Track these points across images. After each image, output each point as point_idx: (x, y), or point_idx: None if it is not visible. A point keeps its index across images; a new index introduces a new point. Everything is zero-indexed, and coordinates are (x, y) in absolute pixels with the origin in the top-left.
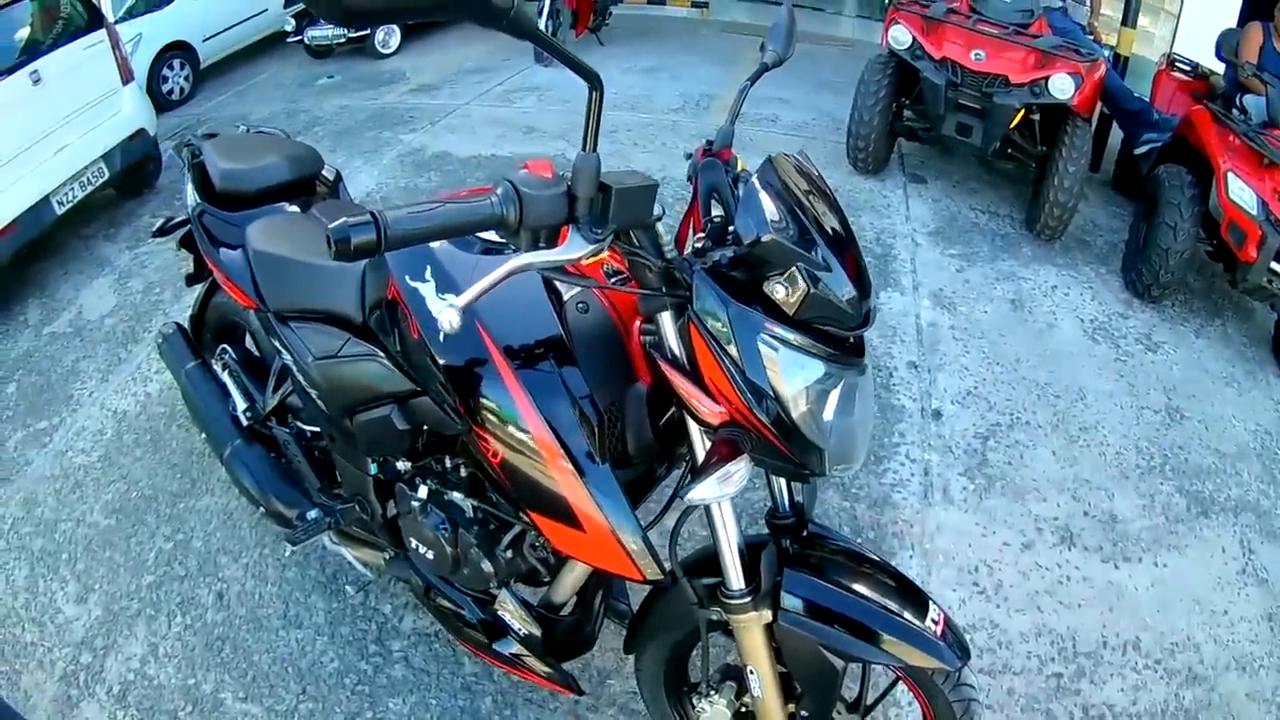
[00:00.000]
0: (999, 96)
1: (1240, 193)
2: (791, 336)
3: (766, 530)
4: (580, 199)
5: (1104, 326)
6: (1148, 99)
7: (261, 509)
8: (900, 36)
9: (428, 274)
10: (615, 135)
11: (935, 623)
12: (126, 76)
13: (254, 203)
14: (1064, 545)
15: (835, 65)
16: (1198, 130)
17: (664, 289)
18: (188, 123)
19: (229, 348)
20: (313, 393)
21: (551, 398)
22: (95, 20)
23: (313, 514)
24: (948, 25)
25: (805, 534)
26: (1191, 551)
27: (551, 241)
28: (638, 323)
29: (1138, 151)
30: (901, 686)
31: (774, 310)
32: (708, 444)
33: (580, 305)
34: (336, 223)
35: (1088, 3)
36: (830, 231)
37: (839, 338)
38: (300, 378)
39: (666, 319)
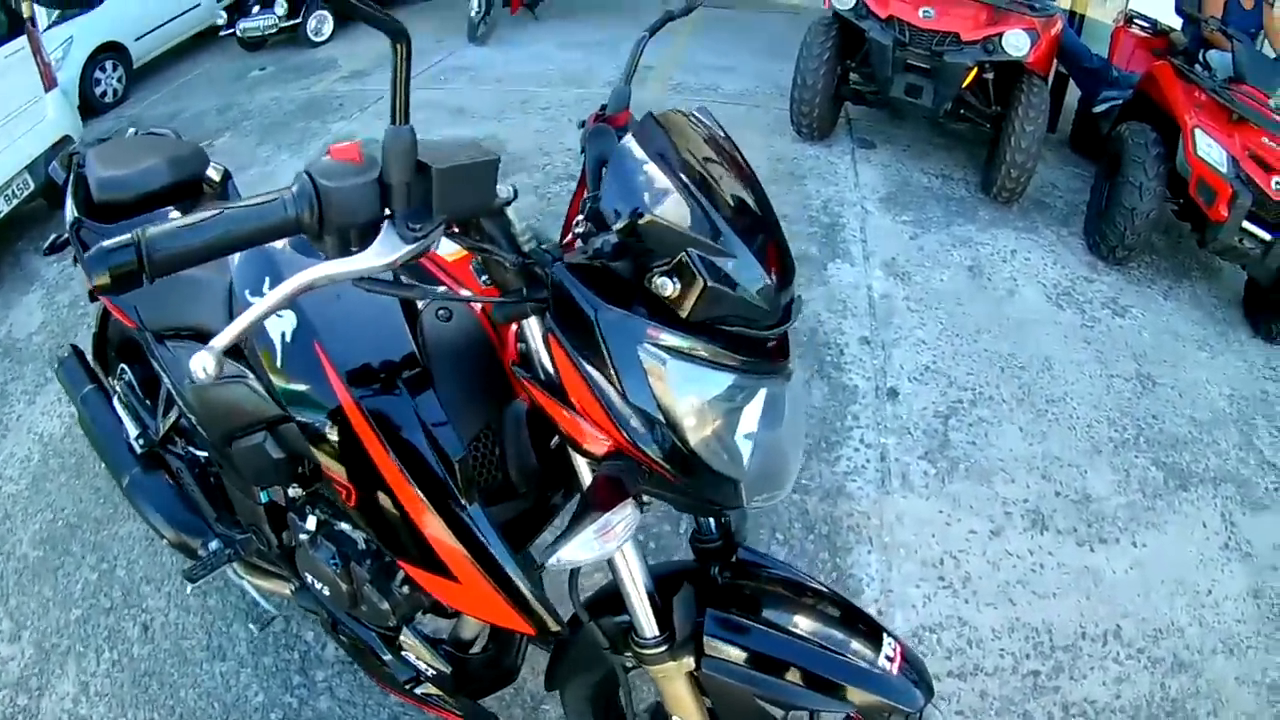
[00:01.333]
0: (950, 55)
1: (1208, 149)
2: (684, 344)
3: (691, 554)
4: (394, 186)
5: (1068, 292)
6: (1105, 57)
7: (165, 540)
8: None
9: (266, 286)
10: (549, 112)
11: (890, 659)
12: (49, 83)
13: (133, 211)
14: (1035, 530)
15: (780, 32)
16: (1161, 86)
17: (523, 291)
18: (120, 125)
19: (128, 369)
20: (191, 418)
21: (401, 430)
22: (16, 26)
23: (214, 545)
24: None
25: (735, 560)
26: (1171, 528)
27: (365, 243)
28: (514, 329)
29: (1096, 110)
30: None
31: (664, 311)
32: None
33: (441, 313)
34: (94, 250)
35: None
36: (736, 206)
37: (754, 340)
38: (179, 402)
39: (533, 328)
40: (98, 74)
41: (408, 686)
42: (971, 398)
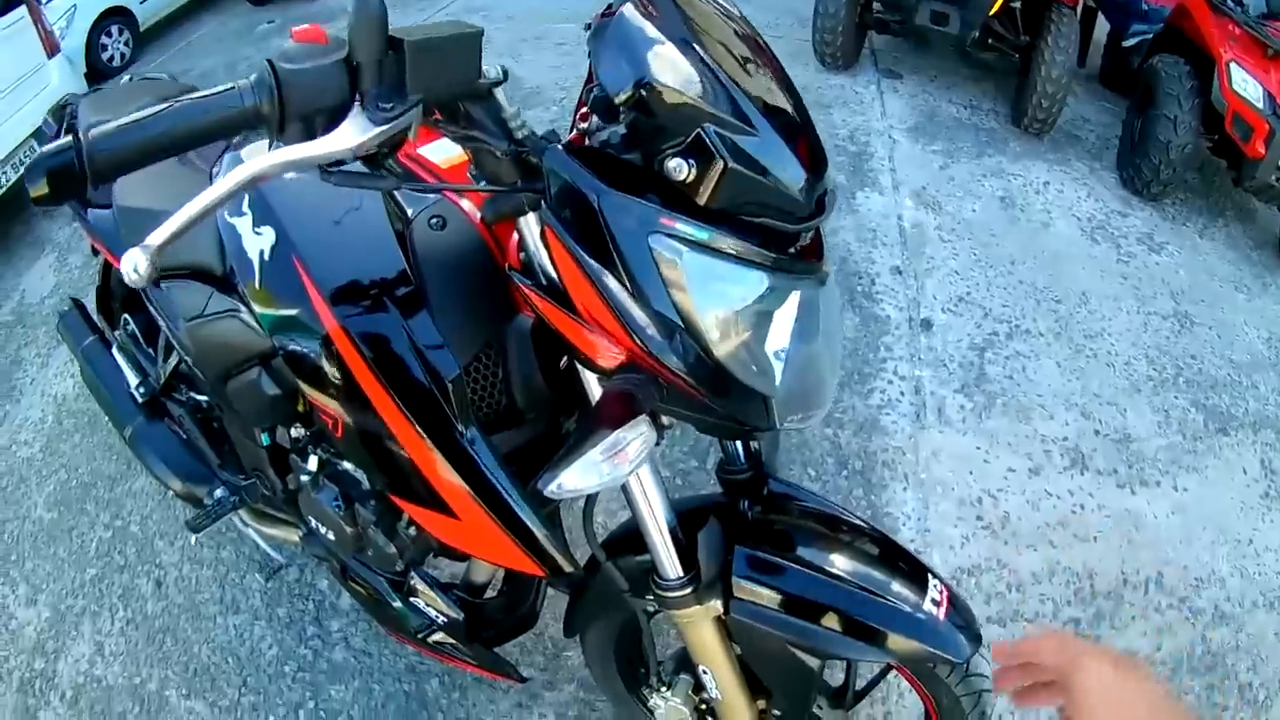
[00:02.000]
0: None
1: (1244, 84)
2: (703, 236)
3: (719, 488)
4: (363, 65)
5: (1103, 225)
6: None
7: (171, 491)
8: None
9: (245, 204)
10: (564, 47)
11: (937, 603)
12: (51, 49)
13: None
14: (1075, 469)
15: None
16: (1194, 19)
17: (517, 182)
18: None
19: (130, 319)
20: (188, 359)
21: (390, 351)
22: None
23: (219, 493)
24: None
25: (766, 492)
26: (1212, 473)
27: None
28: (515, 236)
29: (1126, 44)
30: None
31: (680, 201)
32: None
33: (434, 221)
34: (33, 157)
35: None
36: (759, 84)
37: (782, 235)
38: (175, 344)
39: (530, 226)
40: (104, 39)
41: (419, 635)
42: (1008, 330)
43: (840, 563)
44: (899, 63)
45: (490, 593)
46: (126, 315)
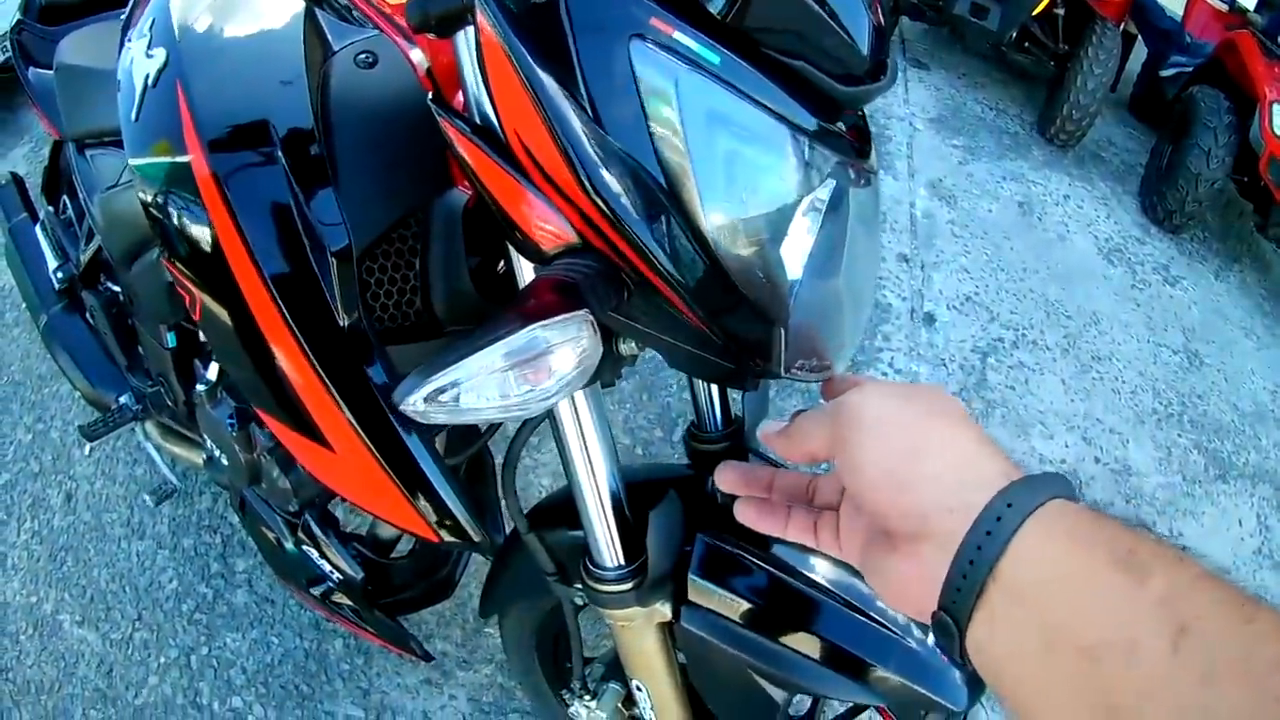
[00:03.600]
0: None
1: None
2: (714, 58)
3: (686, 457)
4: None
5: (1120, 249)
6: (1180, 22)
7: (78, 392)
8: None
9: (148, 24)
10: None
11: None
12: None
13: (80, 13)
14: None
15: None
16: (1241, 55)
17: None
18: None
19: (70, 202)
20: (98, 237)
21: (265, 209)
22: None
23: (124, 399)
24: None
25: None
26: (1208, 521)
27: None
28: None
29: (1164, 74)
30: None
31: (689, 10)
32: None
33: (362, 57)
34: None
35: None
36: None
37: (824, 100)
38: (90, 219)
39: (467, 40)
40: None
41: (313, 591)
42: (1014, 338)
43: (824, 569)
44: (928, 54)
45: (397, 551)
46: (66, 198)
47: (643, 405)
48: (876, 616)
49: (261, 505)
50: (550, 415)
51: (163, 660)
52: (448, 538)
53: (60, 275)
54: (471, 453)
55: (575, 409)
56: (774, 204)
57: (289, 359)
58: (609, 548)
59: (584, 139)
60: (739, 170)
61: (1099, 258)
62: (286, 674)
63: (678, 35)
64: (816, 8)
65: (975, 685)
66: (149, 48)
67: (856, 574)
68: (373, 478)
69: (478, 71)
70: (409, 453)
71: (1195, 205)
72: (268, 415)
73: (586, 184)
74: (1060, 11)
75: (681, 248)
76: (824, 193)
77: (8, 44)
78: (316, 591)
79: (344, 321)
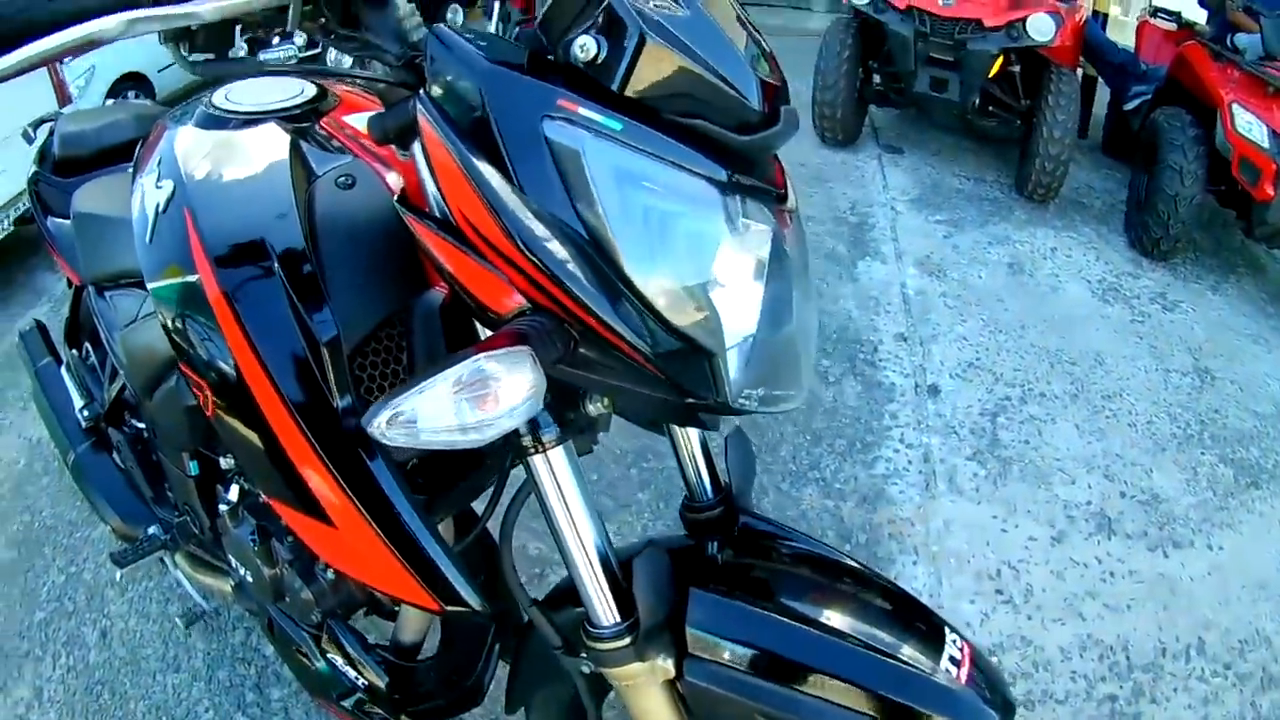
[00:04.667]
0: (973, 43)
1: (1248, 125)
2: (614, 125)
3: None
4: None
5: (1114, 287)
6: (1132, 52)
7: (109, 527)
8: None
9: (156, 160)
10: None
11: (956, 662)
12: (63, 100)
13: (91, 165)
14: (1102, 534)
15: (804, 55)
16: (1194, 67)
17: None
18: None
19: (92, 348)
20: (121, 373)
21: (271, 325)
22: None
23: (152, 529)
24: None
25: (738, 532)
26: (1247, 529)
27: None
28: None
29: (1127, 107)
30: None
31: (593, 89)
32: None
33: (342, 180)
34: None
35: None
36: None
37: (726, 150)
38: (112, 357)
39: (418, 148)
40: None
41: (344, 704)
42: (1021, 394)
43: (834, 615)
44: (901, 138)
45: (423, 655)
46: (88, 344)
47: (660, 514)
48: (891, 652)
49: (289, 623)
50: (534, 483)
51: None
52: (448, 606)
53: (87, 414)
54: (476, 532)
55: (553, 471)
56: (688, 243)
57: (290, 441)
58: (601, 604)
59: (512, 207)
60: (652, 219)
61: (1095, 299)
62: None
63: (582, 110)
64: (703, 72)
65: (1005, 711)
66: (158, 180)
67: (870, 616)
68: (373, 551)
69: (429, 168)
70: (404, 525)
71: (1180, 227)
72: (276, 500)
73: (521, 246)
74: (1016, 68)
75: (613, 296)
76: (743, 231)
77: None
78: (348, 704)
79: (338, 404)
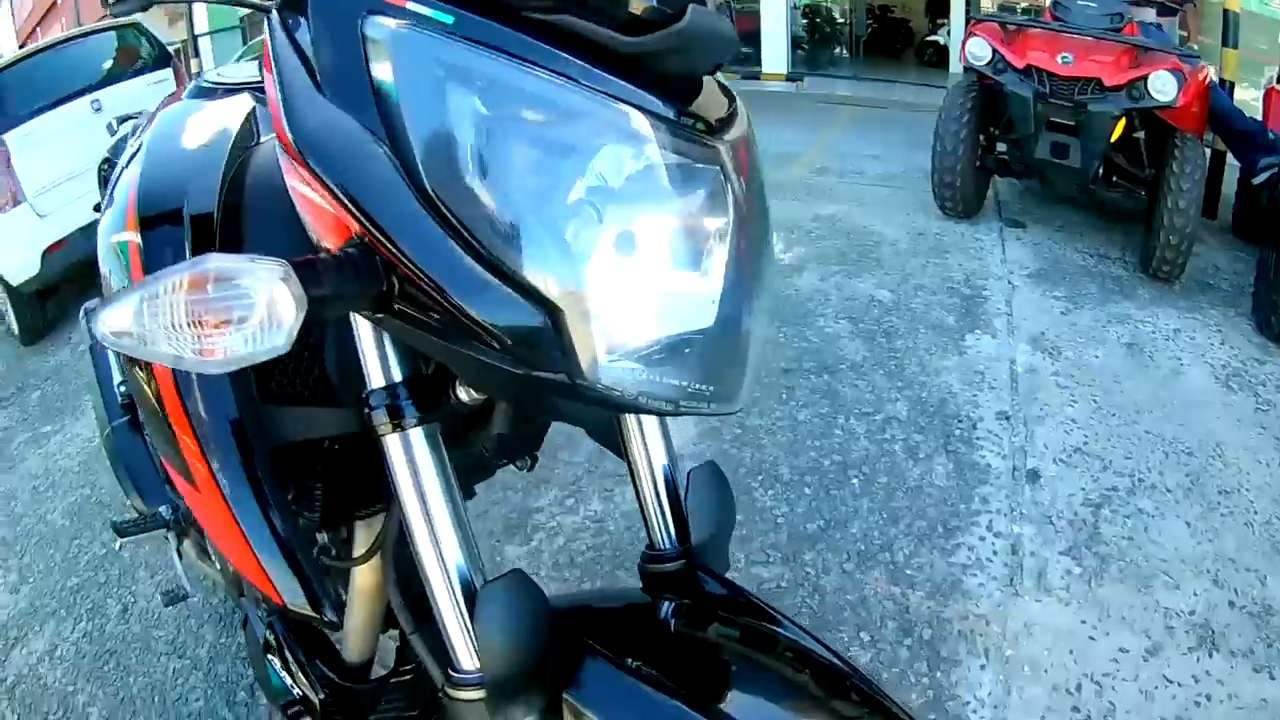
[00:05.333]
0: (1094, 104)
1: None
2: (446, 18)
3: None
4: None
5: (1239, 373)
6: (1261, 121)
7: (130, 504)
8: (979, 50)
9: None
10: None
11: None
12: None
13: None
14: (1203, 649)
15: (927, 127)
16: None
17: None
18: None
19: None
20: None
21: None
22: (164, 59)
23: (162, 509)
24: (1030, 32)
25: (693, 594)
26: None
27: None
28: None
29: (1256, 180)
30: None
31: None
32: None
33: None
34: None
35: (1179, 23)
36: None
37: (615, 59)
38: None
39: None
40: None
41: (286, 710)
42: (1129, 485)
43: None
44: (1025, 213)
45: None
46: None
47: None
48: None
49: (255, 620)
50: (387, 473)
51: None
52: (290, 605)
53: (123, 390)
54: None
55: (408, 457)
56: (535, 163)
57: (170, 404)
58: (460, 637)
59: (305, 106)
60: (480, 127)
61: (1217, 386)
62: None
63: (410, 5)
64: None
65: None
66: (136, 146)
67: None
68: (227, 526)
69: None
70: (257, 506)
71: None
72: (165, 461)
73: (321, 160)
74: (1140, 135)
75: (416, 221)
76: (622, 153)
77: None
78: (288, 711)
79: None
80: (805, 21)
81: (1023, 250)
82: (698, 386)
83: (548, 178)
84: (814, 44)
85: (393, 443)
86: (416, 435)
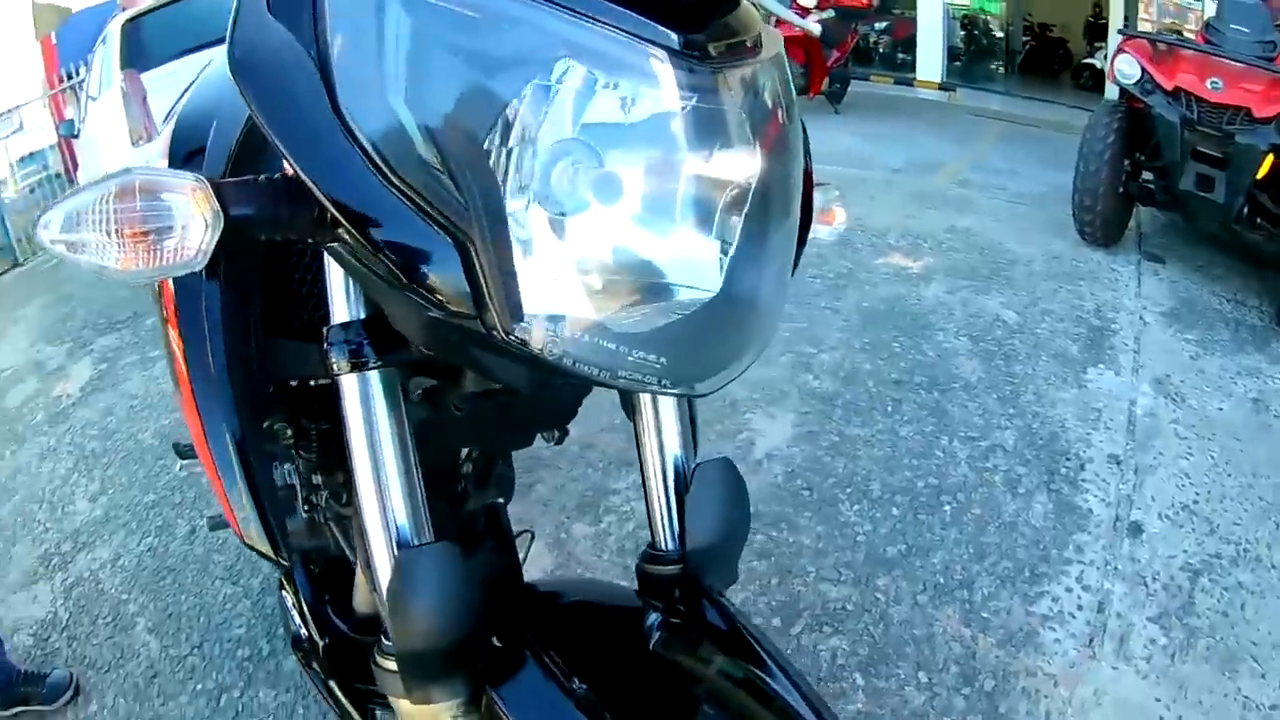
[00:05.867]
0: (1242, 135)
1: None
2: None
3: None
4: None
5: None
6: None
7: None
8: (1128, 68)
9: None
10: (824, 187)
11: None
12: None
13: None
14: None
15: (1071, 149)
16: None
17: None
18: None
19: None
20: None
21: None
22: None
23: None
24: (1182, 53)
25: (684, 609)
26: None
27: None
28: None
29: None
30: None
31: None
32: None
33: None
34: None
35: None
36: None
37: None
38: None
39: None
40: None
41: (294, 647)
42: (1234, 555)
43: None
44: (1166, 248)
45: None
46: None
47: (769, 589)
48: None
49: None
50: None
51: (199, 687)
52: (247, 538)
53: None
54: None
55: (362, 398)
56: (465, 81)
57: (167, 305)
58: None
59: (252, 26)
60: (391, 35)
61: None
62: None
63: None
64: None
65: None
66: None
67: None
68: (201, 446)
69: None
70: (228, 433)
71: None
72: (169, 368)
73: (235, 70)
74: None
75: (323, 130)
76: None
77: None
78: (298, 652)
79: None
80: (963, 33)
81: (1158, 286)
82: (642, 356)
83: (472, 97)
84: (970, 55)
85: (348, 383)
86: (374, 379)
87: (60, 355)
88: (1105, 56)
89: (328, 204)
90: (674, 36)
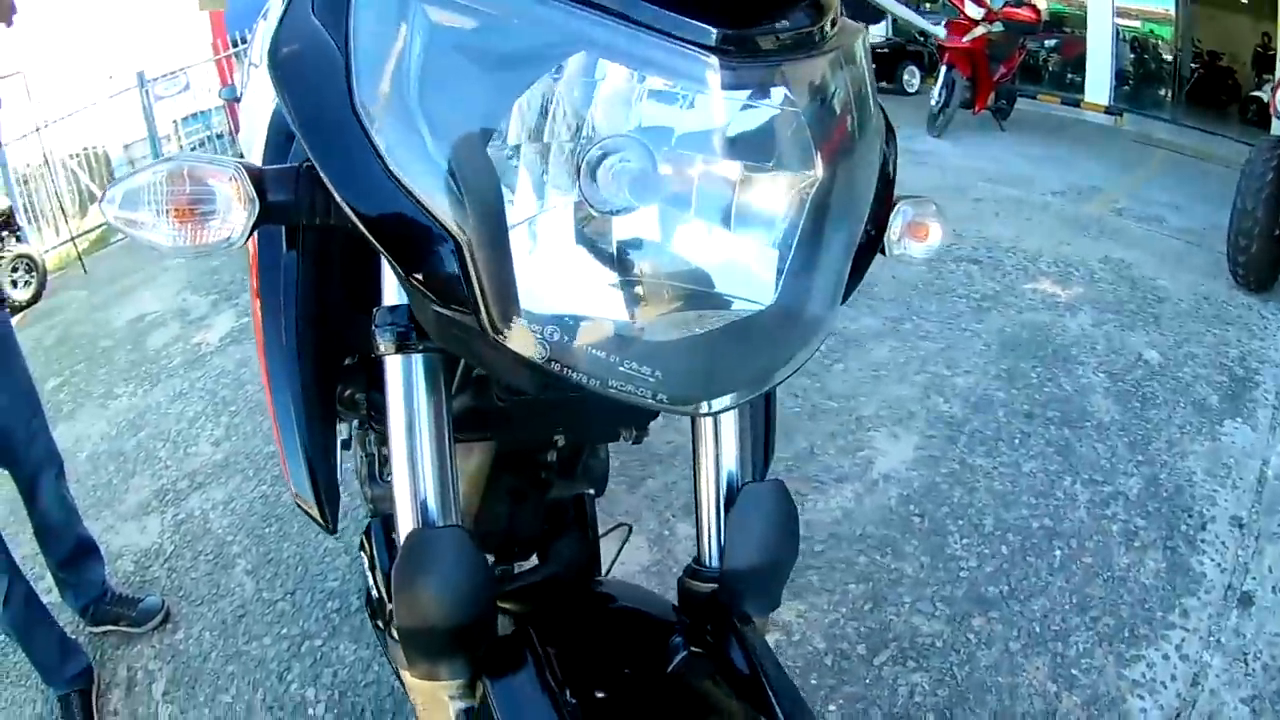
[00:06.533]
0: None
1: None
2: None
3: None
4: None
5: None
6: None
7: None
8: None
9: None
10: (981, 204)
11: None
12: None
13: None
14: None
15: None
16: None
17: None
18: None
19: None
20: None
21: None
22: None
23: None
24: None
25: (711, 633)
26: None
27: None
28: None
29: None
30: None
31: None
32: None
33: None
34: None
35: None
36: None
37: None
38: None
39: None
40: None
41: (367, 602)
42: None
43: None
44: None
45: None
46: None
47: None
48: None
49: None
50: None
51: (284, 631)
52: (296, 495)
53: None
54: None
55: (405, 379)
56: (476, 78)
57: (252, 268)
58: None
59: (295, 23)
60: (411, 34)
61: None
62: (365, 699)
63: None
64: None
65: None
66: None
67: None
68: (269, 401)
69: None
70: (290, 394)
71: None
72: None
73: (272, 66)
74: None
75: (337, 125)
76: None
77: None
78: (369, 611)
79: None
80: (1132, 55)
81: None
82: (635, 367)
83: (483, 98)
84: (1138, 79)
85: (391, 364)
86: (417, 361)
87: (205, 305)
88: (1272, 89)
89: (338, 196)
90: (712, 32)
